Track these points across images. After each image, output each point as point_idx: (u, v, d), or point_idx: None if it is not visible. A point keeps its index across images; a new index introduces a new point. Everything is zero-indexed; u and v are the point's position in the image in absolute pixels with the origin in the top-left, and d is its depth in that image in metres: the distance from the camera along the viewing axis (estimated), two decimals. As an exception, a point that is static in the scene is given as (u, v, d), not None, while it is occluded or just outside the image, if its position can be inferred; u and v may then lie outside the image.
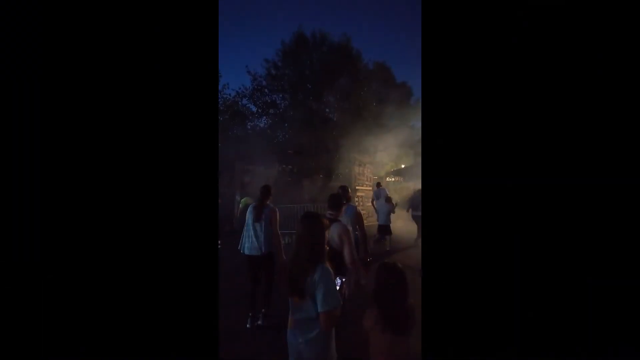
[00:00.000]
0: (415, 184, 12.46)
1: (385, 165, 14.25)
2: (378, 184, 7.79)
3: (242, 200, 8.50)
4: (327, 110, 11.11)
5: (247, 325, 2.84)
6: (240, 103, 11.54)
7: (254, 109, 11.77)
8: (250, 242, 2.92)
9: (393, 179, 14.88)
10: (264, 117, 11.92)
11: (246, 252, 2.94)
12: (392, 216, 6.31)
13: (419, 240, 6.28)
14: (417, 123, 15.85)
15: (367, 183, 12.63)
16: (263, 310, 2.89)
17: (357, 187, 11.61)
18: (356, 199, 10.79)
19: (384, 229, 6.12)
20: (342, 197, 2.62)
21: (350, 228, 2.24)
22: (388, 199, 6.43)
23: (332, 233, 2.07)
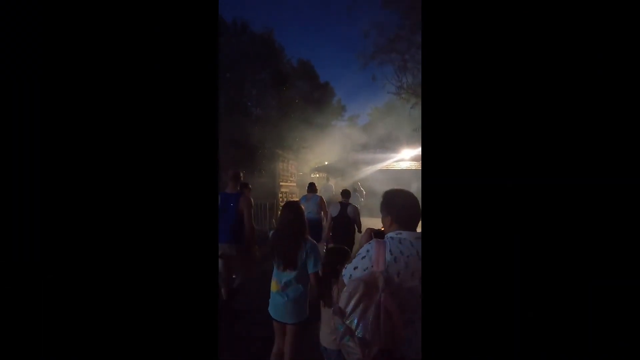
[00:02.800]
0: (337, 181, 13.10)
1: (310, 162, 14.49)
2: (328, 179, 8.65)
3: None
4: (248, 103, 10.54)
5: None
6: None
7: (163, 96, 10.31)
8: None
9: (318, 175, 15.28)
10: (176, 106, 10.57)
11: None
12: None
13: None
14: (339, 122, 16.64)
15: (291, 179, 12.60)
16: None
17: (281, 183, 11.46)
18: (280, 195, 10.64)
19: None
20: (315, 188, 4.42)
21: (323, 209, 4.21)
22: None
23: (349, 212, 3.63)
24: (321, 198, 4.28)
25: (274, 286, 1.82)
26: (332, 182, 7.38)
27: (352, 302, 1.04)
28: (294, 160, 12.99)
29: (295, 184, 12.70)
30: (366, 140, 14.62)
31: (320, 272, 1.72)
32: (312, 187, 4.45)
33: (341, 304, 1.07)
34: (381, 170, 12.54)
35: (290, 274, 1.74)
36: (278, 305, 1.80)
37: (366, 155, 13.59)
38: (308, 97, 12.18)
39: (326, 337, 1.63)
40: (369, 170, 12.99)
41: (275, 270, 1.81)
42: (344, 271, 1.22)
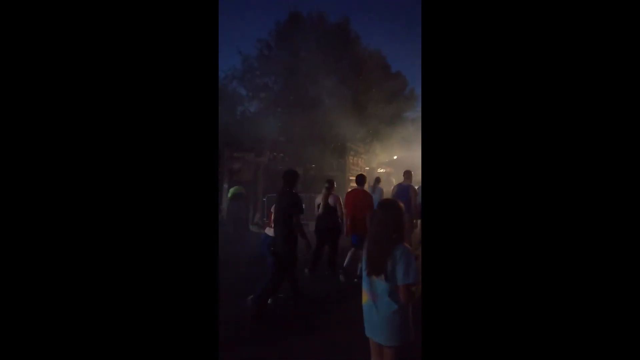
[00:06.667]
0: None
1: (378, 156, 13.99)
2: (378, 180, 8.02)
3: (231, 189, 7.91)
4: (323, 95, 10.51)
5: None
6: (229, 86, 10.62)
7: (244, 93, 10.92)
8: None
9: (384, 170, 14.71)
10: (255, 101, 11.11)
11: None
12: None
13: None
14: (411, 114, 15.56)
15: (361, 174, 12.34)
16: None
17: (350, 177, 11.30)
18: (349, 190, 10.47)
19: None
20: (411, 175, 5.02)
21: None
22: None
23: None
24: (412, 186, 4.93)
25: (364, 297, 1.58)
26: (381, 185, 6.82)
27: None
28: (364, 153, 12.67)
29: (332, 179, 12.35)
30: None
31: (414, 286, 1.39)
32: (408, 174, 5.07)
33: None
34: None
35: (380, 284, 1.47)
36: (370, 321, 1.54)
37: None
38: (381, 88, 11.61)
39: None
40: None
41: (364, 278, 1.56)
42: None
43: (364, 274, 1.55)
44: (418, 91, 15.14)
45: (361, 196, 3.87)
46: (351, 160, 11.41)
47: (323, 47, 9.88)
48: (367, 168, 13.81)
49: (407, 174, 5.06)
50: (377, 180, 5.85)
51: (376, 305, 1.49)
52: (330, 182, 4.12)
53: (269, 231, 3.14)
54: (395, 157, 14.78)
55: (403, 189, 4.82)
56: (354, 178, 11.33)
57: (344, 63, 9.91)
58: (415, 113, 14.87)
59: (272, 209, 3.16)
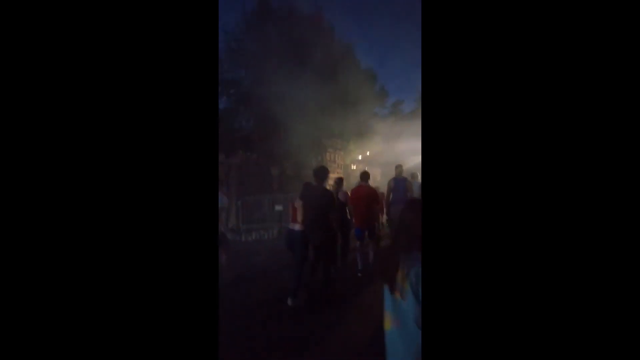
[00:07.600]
0: (378, 171, 12.31)
1: (352, 152, 13.85)
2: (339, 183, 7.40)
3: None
4: (297, 90, 10.03)
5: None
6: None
7: (210, 88, 10.03)
8: None
9: (355, 167, 14.61)
10: (224, 97, 10.26)
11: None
12: None
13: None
14: (381, 110, 15.59)
15: (338, 170, 12.06)
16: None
17: (329, 175, 10.96)
18: (328, 188, 10.10)
19: None
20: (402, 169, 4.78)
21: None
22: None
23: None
24: (407, 179, 4.81)
25: (387, 321, 1.21)
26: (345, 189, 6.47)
27: None
28: (341, 150, 12.43)
29: (342, 176, 12.11)
30: (412, 128, 13.58)
31: None
32: (399, 167, 4.88)
33: None
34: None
35: (404, 306, 1.11)
36: (394, 354, 1.17)
37: (412, 144, 12.64)
38: (352, 84, 11.43)
39: None
40: (415, 160, 12.10)
41: (387, 296, 1.19)
42: None
43: (386, 291, 1.18)
44: (387, 88, 15.19)
45: (366, 192, 4.03)
46: (329, 157, 11.09)
47: (295, 40, 9.39)
48: (342, 165, 13.59)
49: (399, 168, 4.98)
50: (340, 181, 4.86)
51: (401, 334, 1.13)
52: (340, 179, 4.29)
53: (294, 226, 3.16)
54: (367, 153, 14.77)
55: (400, 183, 4.71)
56: (332, 175, 11.04)
57: (319, 55, 9.51)
58: (384, 110, 14.95)
59: (296, 204, 3.16)
